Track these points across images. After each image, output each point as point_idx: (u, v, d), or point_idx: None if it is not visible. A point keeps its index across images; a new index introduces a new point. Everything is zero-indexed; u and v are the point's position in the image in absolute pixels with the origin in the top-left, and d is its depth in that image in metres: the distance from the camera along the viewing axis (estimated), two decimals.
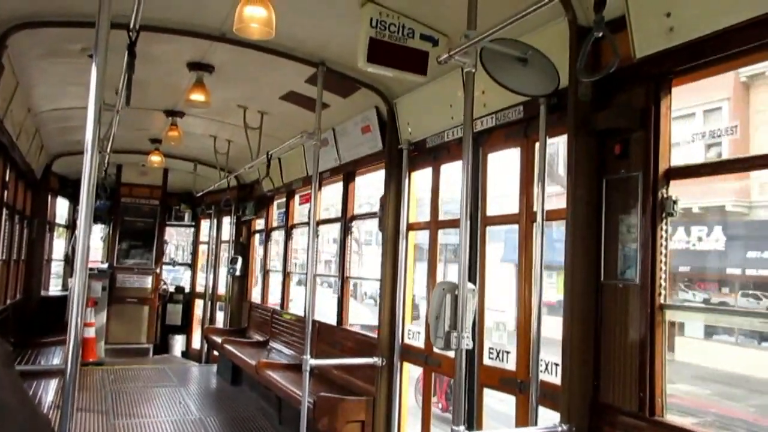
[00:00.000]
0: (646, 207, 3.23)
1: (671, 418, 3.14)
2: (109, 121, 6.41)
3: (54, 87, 6.80)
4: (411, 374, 5.88)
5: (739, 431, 8.85)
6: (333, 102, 6.30)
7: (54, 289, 12.07)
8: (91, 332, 10.94)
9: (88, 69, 2.78)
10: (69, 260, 11.90)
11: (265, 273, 10.54)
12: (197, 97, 6.19)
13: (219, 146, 9.11)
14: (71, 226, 12.39)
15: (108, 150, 7.78)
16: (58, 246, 12.67)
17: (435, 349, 4.96)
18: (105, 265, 12.38)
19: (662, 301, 3.20)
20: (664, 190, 3.21)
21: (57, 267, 12.60)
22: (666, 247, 3.21)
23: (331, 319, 7.26)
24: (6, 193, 7.41)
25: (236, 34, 4.38)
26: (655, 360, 3.17)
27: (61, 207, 12.44)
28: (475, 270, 4.58)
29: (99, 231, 13.32)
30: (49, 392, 6.04)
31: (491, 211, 4.73)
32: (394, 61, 4.37)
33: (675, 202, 3.19)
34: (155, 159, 10.09)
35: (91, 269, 10.93)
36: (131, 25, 3.73)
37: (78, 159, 2.63)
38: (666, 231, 3.22)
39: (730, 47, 2.88)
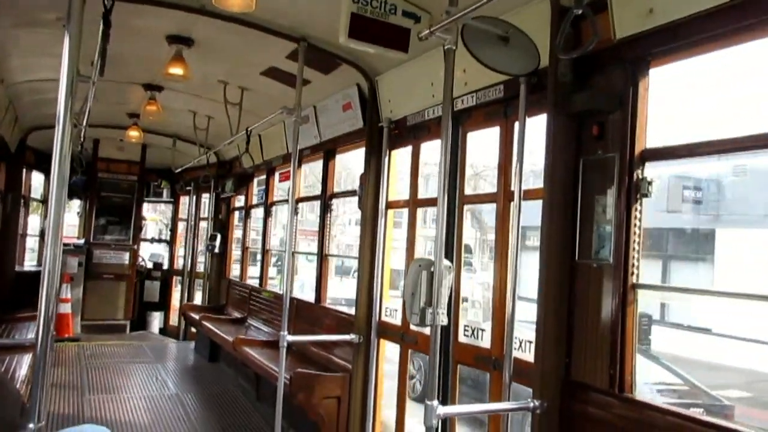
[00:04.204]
0: (622, 188, 3.27)
1: (640, 394, 3.20)
2: (85, 94, 6.30)
3: (28, 58, 6.64)
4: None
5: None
6: (314, 78, 6.24)
7: (29, 264, 11.91)
8: (66, 308, 10.85)
9: (63, 39, 2.72)
10: (44, 235, 11.74)
11: (244, 250, 10.51)
12: (176, 70, 6.09)
13: (199, 122, 8.99)
14: (47, 200, 12.21)
15: (84, 123, 7.65)
16: (34, 221, 12.49)
17: (411, 326, 5.01)
18: (81, 241, 12.24)
19: (635, 281, 3.24)
20: (640, 171, 3.25)
21: (32, 243, 12.44)
22: (640, 228, 3.25)
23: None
24: None
25: (216, 7, 4.31)
26: (626, 338, 3.23)
27: (37, 182, 12.23)
28: (451, 247, 4.62)
29: (76, 207, 13.15)
30: (22, 367, 5.99)
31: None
32: (376, 38, 4.33)
33: (650, 183, 3.22)
34: (133, 134, 9.95)
35: (66, 245, 10.90)
36: None
37: (53, 132, 2.57)
38: (640, 212, 3.26)
39: (708, 30, 2.89)
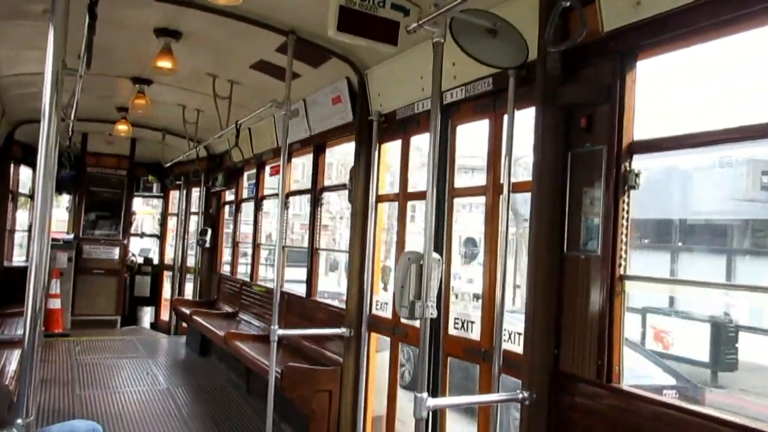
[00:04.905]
0: (609, 180, 3.28)
1: (627, 384, 3.23)
2: (73, 88, 6.25)
3: (15, 51, 6.58)
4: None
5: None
6: (304, 72, 6.22)
7: (17, 259, 11.82)
8: (56, 303, 10.79)
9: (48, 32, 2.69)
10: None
11: (235, 245, 10.49)
12: (164, 64, 6.06)
13: (188, 116, 8.95)
14: (35, 195, 12.10)
15: (72, 117, 7.59)
16: (22, 216, 12.40)
17: (402, 320, 5.02)
18: (71, 236, 12.17)
19: (622, 272, 3.27)
20: (627, 164, 3.26)
21: (20, 238, 12.34)
22: (627, 219, 3.27)
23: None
24: None
25: None
26: (614, 329, 3.25)
27: (25, 176, 12.13)
28: (441, 240, 4.62)
29: (65, 202, 13.06)
30: (12, 362, 5.96)
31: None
32: (365, 31, 4.31)
33: (637, 175, 3.24)
34: (122, 128, 9.89)
35: (56, 240, 10.83)
36: None
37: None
38: (627, 203, 3.28)
39: (695, 22, 2.90)
